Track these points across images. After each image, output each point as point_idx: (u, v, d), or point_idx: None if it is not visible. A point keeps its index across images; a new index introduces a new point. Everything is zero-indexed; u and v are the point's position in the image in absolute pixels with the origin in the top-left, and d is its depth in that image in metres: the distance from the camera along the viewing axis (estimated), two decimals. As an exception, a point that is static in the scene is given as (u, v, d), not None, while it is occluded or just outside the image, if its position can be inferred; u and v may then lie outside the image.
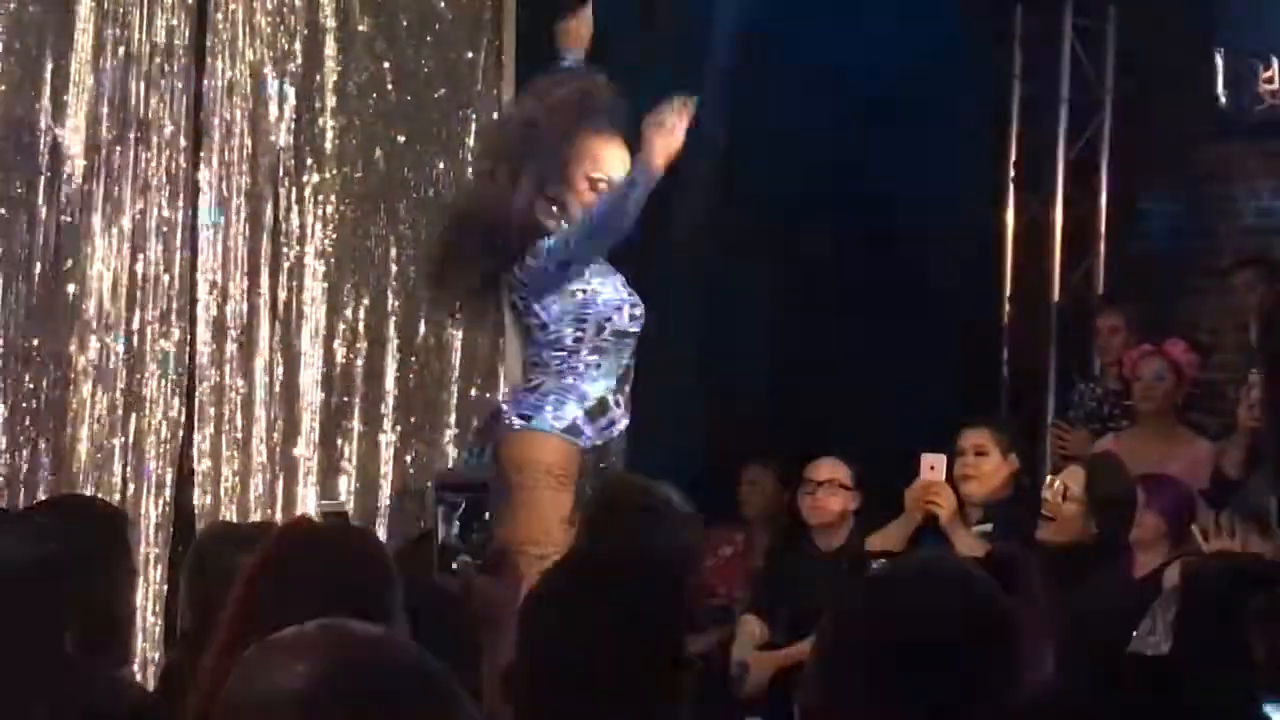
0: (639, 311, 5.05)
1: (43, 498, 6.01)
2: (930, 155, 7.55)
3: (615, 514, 3.62)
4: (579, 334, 4.97)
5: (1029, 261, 8.51)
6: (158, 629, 6.60)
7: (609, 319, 4.98)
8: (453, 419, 7.26)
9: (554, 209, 5.07)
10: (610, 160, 5.06)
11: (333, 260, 7.05)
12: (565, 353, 4.98)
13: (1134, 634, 4.86)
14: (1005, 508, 6.25)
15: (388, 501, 7.12)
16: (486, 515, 2.96)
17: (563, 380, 4.96)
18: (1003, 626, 2.26)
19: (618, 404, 5.01)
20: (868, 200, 7.53)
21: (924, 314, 7.60)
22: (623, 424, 5.04)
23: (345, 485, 7.02)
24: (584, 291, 4.97)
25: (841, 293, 7.58)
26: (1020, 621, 2.38)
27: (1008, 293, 8.52)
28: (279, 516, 6.64)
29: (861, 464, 6.62)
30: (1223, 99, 7.94)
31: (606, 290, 5.01)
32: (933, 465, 6.01)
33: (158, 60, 6.76)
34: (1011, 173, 8.48)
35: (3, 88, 6.60)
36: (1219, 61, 7.93)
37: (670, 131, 4.76)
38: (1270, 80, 7.85)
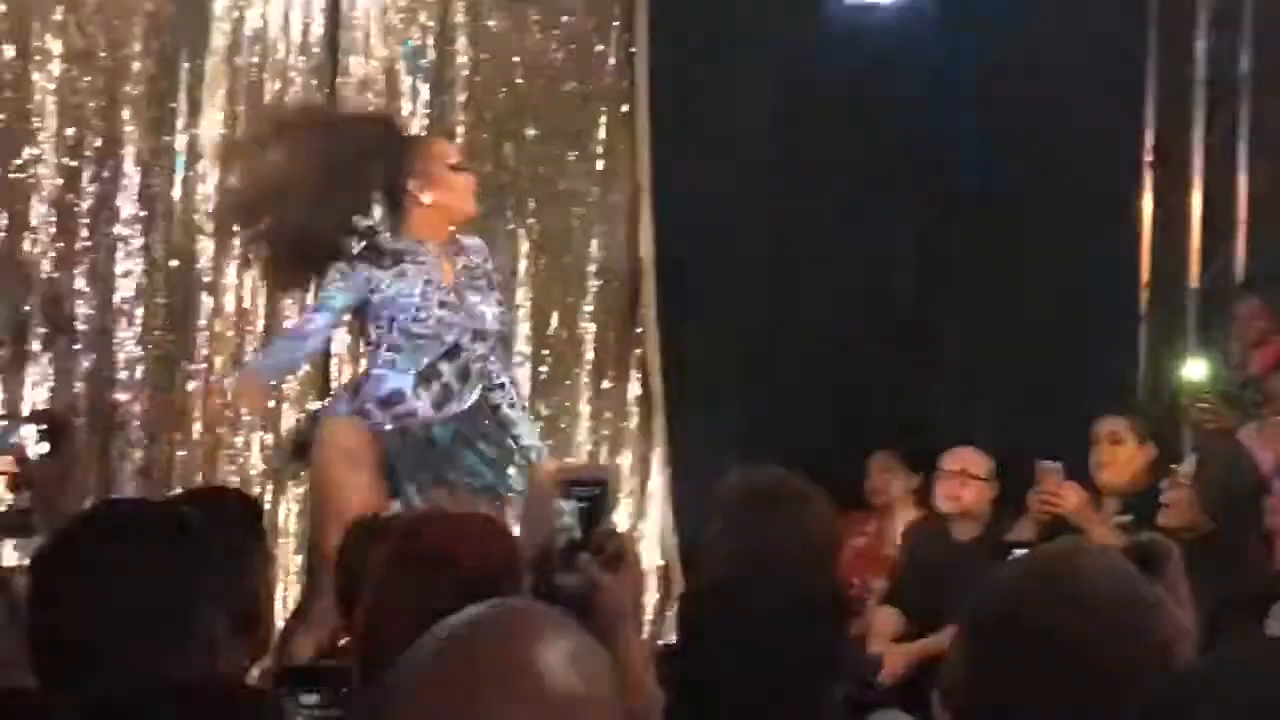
0: (424, 315, 5.45)
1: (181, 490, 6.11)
2: (1065, 139, 7.46)
3: (757, 505, 3.61)
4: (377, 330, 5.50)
5: (1166, 246, 8.38)
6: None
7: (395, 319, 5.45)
8: (585, 411, 7.28)
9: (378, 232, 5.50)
10: (451, 147, 5.78)
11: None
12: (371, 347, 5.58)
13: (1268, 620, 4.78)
14: (1143, 497, 6.15)
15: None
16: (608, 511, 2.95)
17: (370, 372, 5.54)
18: (1148, 614, 2.22)
19: (418, 396, 5.46)
20: (1002, 184, 7.47)
21: (1060, 300, 7.52)
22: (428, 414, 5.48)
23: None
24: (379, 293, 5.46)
25: (974, 279, 7.52)
26: (1165, 609, 2.34)
27: (1145, 278, 8.41)
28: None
29: (995, 454, 6.56)
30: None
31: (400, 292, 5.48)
32: (1050, 472, 5.91)
33: (292, 58, 6.84)
34: (1148, 156, 8.36)
35: (141, 87, 6.71)
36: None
37: None
38: None
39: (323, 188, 5.46)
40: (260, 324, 6.84)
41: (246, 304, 6.83)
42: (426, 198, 5.48)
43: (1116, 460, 6.17)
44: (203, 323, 6.80)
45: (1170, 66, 8.38)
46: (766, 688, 2.50)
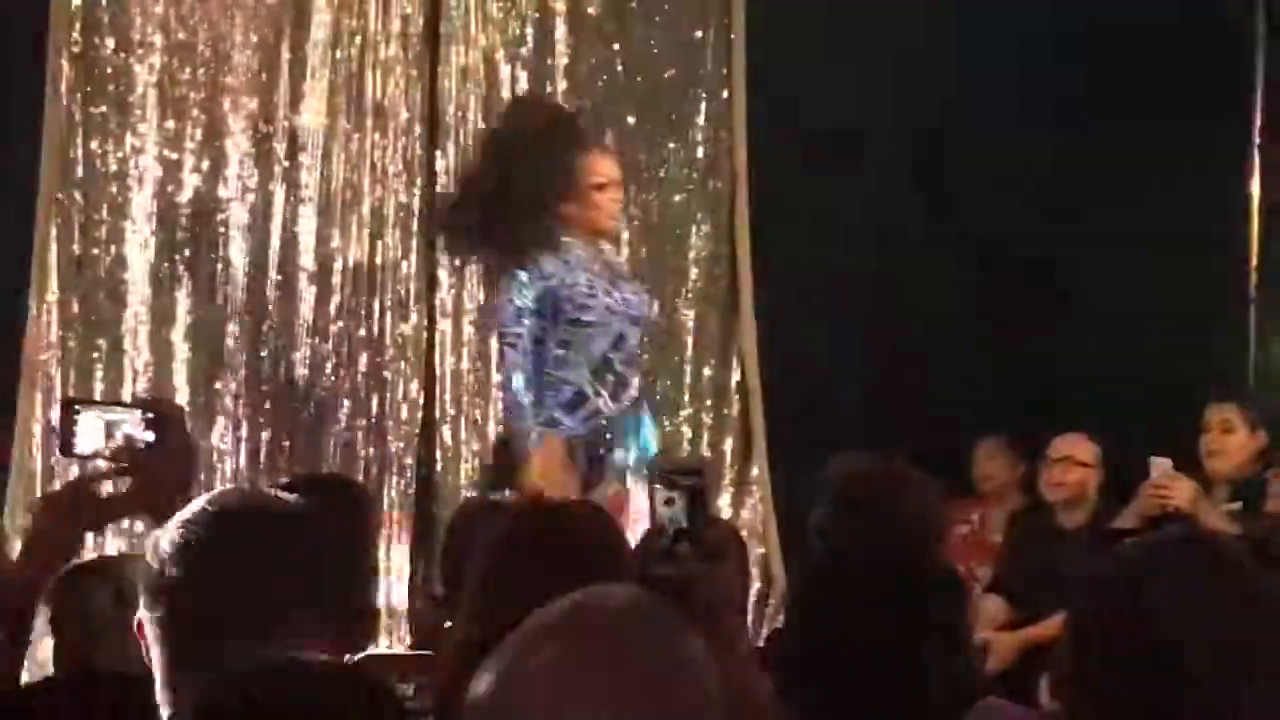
0: (591, 303, 5.52)
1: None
2: (1172, 118, 7.37)
3: (863, 489, 3.60)
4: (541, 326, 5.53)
5: (1276, 228, 8.26)
6: (403, 606, 6.72)
7: (562, 310, 5.50)
8: (686, 400, 7.26)
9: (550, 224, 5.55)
10: (603, 165, 5.68)
11: (565, 243, 7.09)
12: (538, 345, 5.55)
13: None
14: (1254, 485, 6.07)
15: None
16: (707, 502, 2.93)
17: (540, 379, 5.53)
18: (1263, 604, 2.19)
19: (597, 393, 5.51)
20: (1108, 165, 7.38)
21: (1167, 283, 7.42)
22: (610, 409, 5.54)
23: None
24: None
25: (1082, 264, 7.43)
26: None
27: (1254, 263, 8.29)
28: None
29: (1102, 441, 6.49)
30: None
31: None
32: (1161, 466, 5.84)
33: (393, 48, 6.87)
34: (1257, 140, 8.24)
35: (243, 79, 6.76)
36: None
37: None
38: None
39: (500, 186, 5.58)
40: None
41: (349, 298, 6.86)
42: (567, 209, 5.59)
43: (1227, 448, 6.10)
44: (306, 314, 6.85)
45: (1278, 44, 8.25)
46: (877, 671, 2.49)
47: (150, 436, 2.71)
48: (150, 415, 2.73)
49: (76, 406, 2.79)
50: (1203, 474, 6.03)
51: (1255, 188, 8.25)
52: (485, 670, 1.63)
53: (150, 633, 2.25)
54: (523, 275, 5.49)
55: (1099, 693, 2.13)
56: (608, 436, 5.56)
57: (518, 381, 5.54)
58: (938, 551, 3.38)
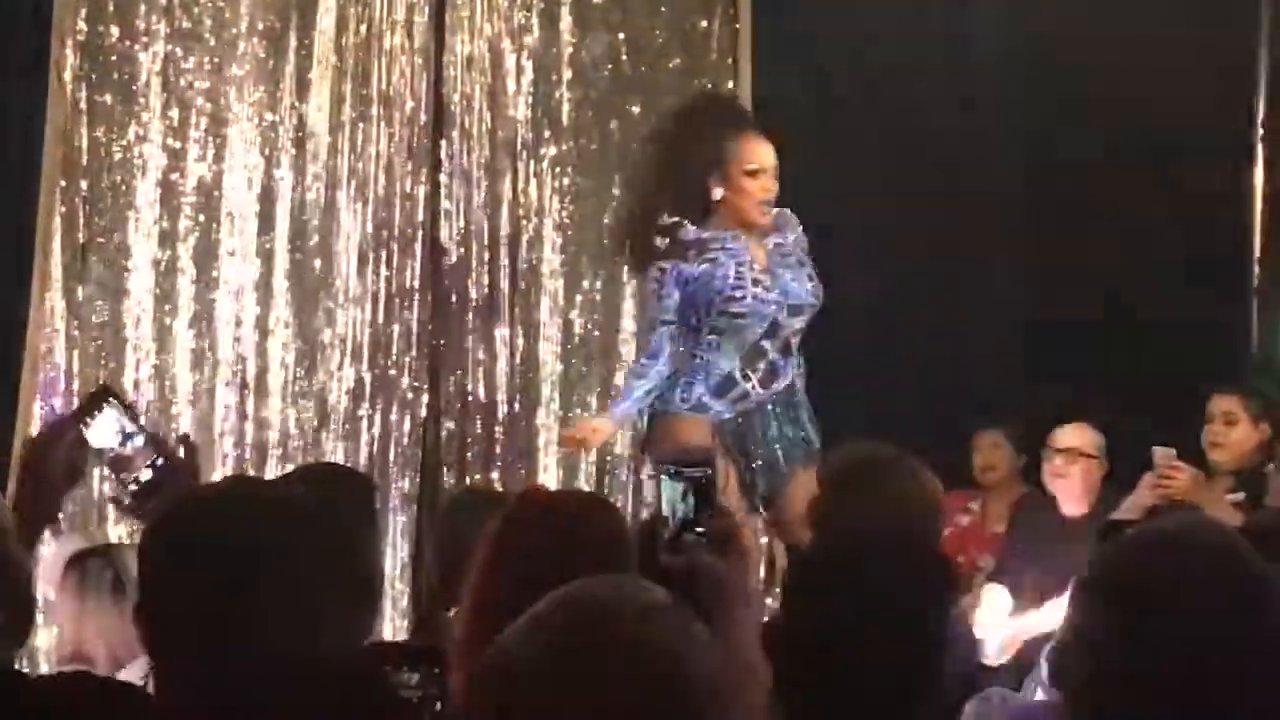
0: (741, 294, 5.56)
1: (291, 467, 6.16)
2: (1175, 110, 7.36)
3: (858, 477, 3.60)
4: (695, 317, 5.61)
5: (1277, 228, 8.26)
6: (405, 596, 6.73)
7: (711, 301, 5.57)
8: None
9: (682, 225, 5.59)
10: (758, 151, 5.62)
11: (570, 232, 7.10)
12: (693, 333, 5.64)
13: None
14: (1257, 477, 6.08)
15: (627, 473, 7.15)
16: (715, 492, 2.93)
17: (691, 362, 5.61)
18: (1263, 591, 2.19)
19: (747, 378, 5.60)
20: (1110, 157, 7.38)
21: (1170, 274, 7.43)
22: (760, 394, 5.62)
23: (583, 456, 7.06)
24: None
25: (1082, 256, 7.44)
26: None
27: (1257, 255, 8.29)
28: (520, 485, 6.71)
29: (1104, 431, 6.49)
30: None
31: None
32: (1165, 457, 5.84)
33: (398, 37, 6.87)
34: (1260, 131, 8.24)
35: (248, 67, 6.76)
36: None
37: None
38: None
39: (649, 183, 5.72)
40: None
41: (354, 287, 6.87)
42: (716, 194, 5.62)
43: (1230, 439, 6.11)
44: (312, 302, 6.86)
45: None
46: (874, 656, 2.50)
47: (148, 475, 2.72)
48: (159, 461, 2.73)
49: (109, 399, 2.79)
50: (1205, 465, 6.04)
51: (1259, 178, 8.25)
52: (485, 661, 1.64)
53: (141, 621, 2.25)
54: (669, 268, 5.55)
55: (1101, 679, 2.14)
56: (757, 431, 5.63)
57: (663, 366, 5.63)
58: (930, 534, 3.38)
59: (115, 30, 6.67)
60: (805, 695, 2.51)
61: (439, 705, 2.91)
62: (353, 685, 1.93)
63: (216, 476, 5.59)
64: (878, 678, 2.51)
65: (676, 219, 5.59)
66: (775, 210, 5.72)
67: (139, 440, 2.75)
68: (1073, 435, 6.47)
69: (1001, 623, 6.25)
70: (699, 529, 2.83)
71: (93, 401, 2.80)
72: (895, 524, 3.19)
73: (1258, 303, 8.22)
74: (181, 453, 2.81)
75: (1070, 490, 6.41)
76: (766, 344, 5.63)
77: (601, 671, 1.60)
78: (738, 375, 5.60)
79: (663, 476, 2.87)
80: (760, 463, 5.63)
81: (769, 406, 5.66)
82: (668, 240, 5.57)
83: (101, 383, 5.25)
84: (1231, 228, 7.98)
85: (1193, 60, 7.38)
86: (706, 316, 5.57)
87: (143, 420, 2.86)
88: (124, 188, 6.68)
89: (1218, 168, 7.80)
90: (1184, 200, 7.40)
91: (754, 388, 5.62)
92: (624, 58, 7.17)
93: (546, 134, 7.06)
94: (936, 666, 2.56)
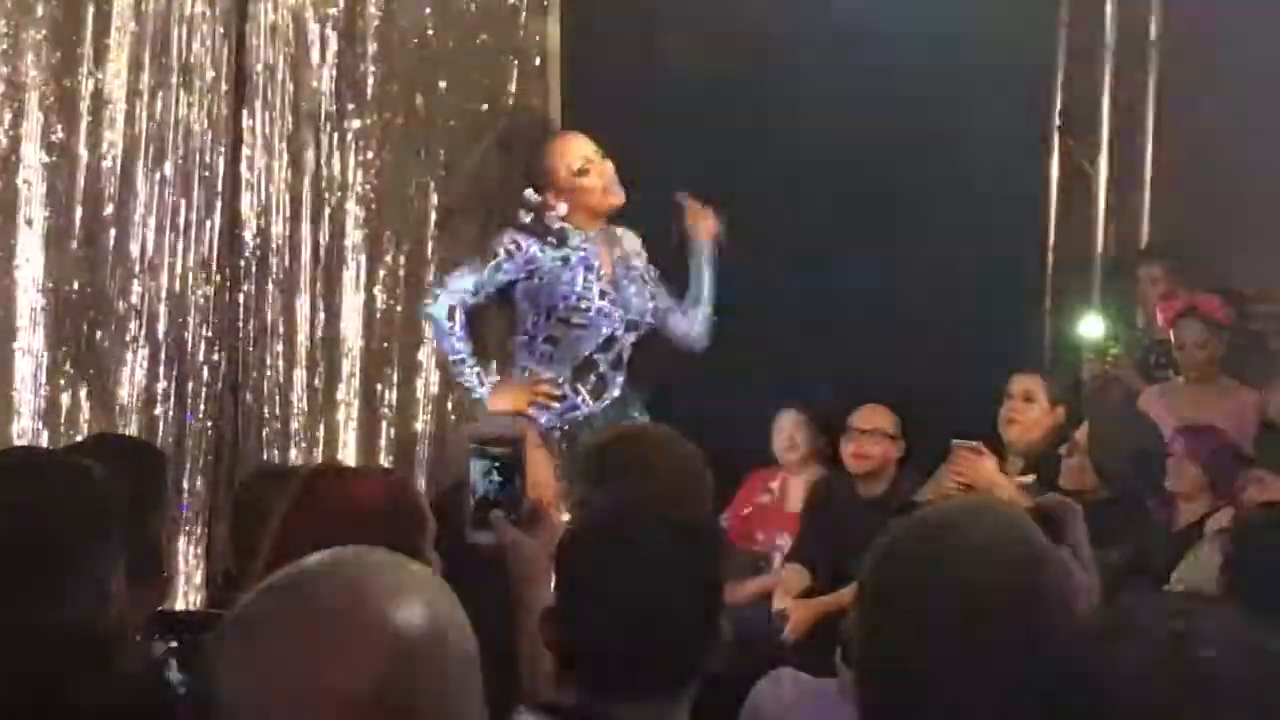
0: (585, 305, 5.62)
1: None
2: (973, 103, 7.48)
3: (614, 456, 3.61)
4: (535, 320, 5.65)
5: (1073, 211, 8.44)
6: (199, 573, 6.64)
7: (555, 308, 5.62)
8: (494, 366, 7.24)
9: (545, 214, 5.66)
10: (572, 148, 5.73)
11: (373, 206, 7.04)
12: (526, 338, 5.70)
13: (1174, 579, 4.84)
14: (1046, 459, 6.20)
15: (427, 449, 7.11)
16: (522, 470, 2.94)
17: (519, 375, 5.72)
18: (1048, 572, 2.23)
19: (577, 391, 5.67)
20: (906, 148, 7.48)
21: (966, 264, 7.55)
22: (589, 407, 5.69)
23: (384, 432, 7.01)
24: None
25: (883, 241, 7.53)
26: (1065, 568, 2.35)
27: (1051, 242, 8.47)
28: (319, 461, 6.65)
29: (900, 415, 6.59)
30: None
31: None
32: (964, 449, 5.92)
33: (200, 4, 6.75)
34: (1056, 121, 8.41)
35: (45, 32, 6.60)
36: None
37: None
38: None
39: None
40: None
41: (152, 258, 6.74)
42: (561, 208, 5.63)
43: (1026, 418, 6.21)
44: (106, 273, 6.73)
45: (1080, 32, 8.42)
46: (642, 628, 2.50)
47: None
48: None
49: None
50: (1000, 444, 6.15)
51: (1054, 169, 8.42)
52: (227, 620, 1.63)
53: None
54: (524, 244, 5.52)
55: (884, 661, 2.16)
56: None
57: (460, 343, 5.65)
58: (693, 499, 3.38)
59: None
60: (581, 673, 2.51)
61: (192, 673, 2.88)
62: (99, 651, 1.89)
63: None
64: (649, 649, 2.51)
65: (543, 199, 5.59)
66: (624, 231, 5.79)
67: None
68: (874, 417, 6.56)
69: (798, 602, 6.33)
70: (504, 507, 2.83)
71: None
72: (653, 492, 3.19)
73: (1050, 292, 8.41)
74: None
75: (868, 470, 6.50)
76: (599, 357, 5.67)
77: (278, 646, 1.57)
78: (568, 389, 5.61)
79: (470, 454, 2.86)
80: None
81: (599, 420, 5.66)
82: (532, 215, 5.56)
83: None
84: (1027, 214, 8.14)
85: (993, 52, 7.51)
86: (546, 322, 5.57)
87: None
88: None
89: (1015, 160, 7.96)
90: (982, 190, 7.53)
91: (584, 400, 5.65)
92: (430, 32, 7.11)
93: (351, 106, 6.99)
94: (714, 634, 2.56)
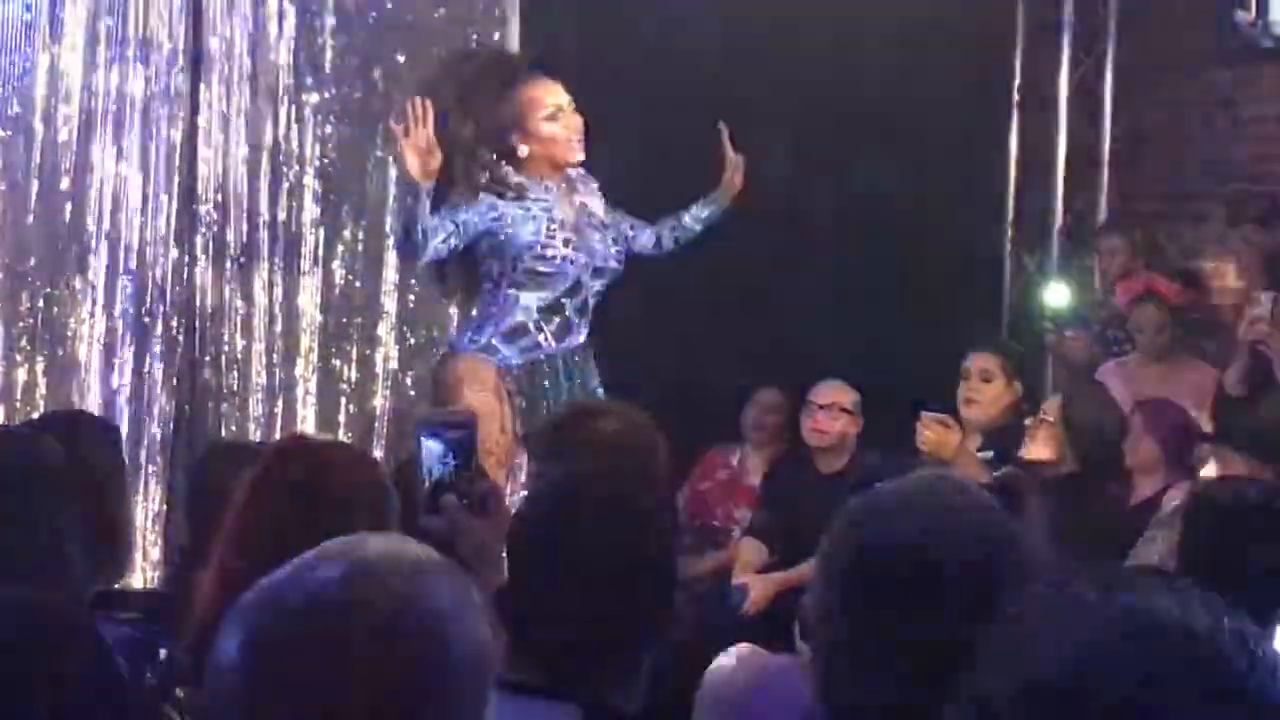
0: (550, 253, 5.55)
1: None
2: (932, 79, 7.50)
3: (576, 434, 3.60)
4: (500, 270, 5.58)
5: (1031, 186, 8.47)
6: (157, 548, 6.62)
7: (520, 258, 5.54)
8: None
9: (502, 164, 5.56)
10: (548, 93, 5.61)
11: (331, 181, 7.02)
12: (492, 284, 5.62)
13: (1130, 554, 4.85)
14: (1005, 435, 6.21)
15: (385, 426, 7.10)
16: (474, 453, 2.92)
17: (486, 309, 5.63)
18: (1004, 546, 2.23)
19: (540, 329, 5.60)
20: (867, 125, 7.48)
21: (927, 237, 7.57)
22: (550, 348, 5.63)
23: (343, 408, 7.00)
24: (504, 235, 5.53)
25: (842, 218, 7.55)
26: (1022, 542, 2.35)
27: (1010, 218, 8.49)
28: (277, 436, 6.63)
29: (862, 388, 6.60)
30: (1236, 20, 7.86)
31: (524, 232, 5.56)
32: (932, 420, 5.90)
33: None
34: (1015, 97, 8.43)
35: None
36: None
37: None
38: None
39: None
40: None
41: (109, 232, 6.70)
42: (523, 150, 5.55)
43: (985, 396, 6.21)
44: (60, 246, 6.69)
45: (1038, 8, 8.45)
46: (592, 607, 2.50)
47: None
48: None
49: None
50: (958, 421, 6.16)
51: (1014, 145, 8.44)
52: (245, 602, 1.62)
53: None
54: (474, 216, 5.44)
55: (841, 635, 2.16)
56: (544, 381, 5.61)
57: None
58: (644, 474, 3.38)
59: None
60: (534, 652, 2.50)
61: (162, 653, 2.87)
62: (52, 623, 1.88)
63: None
64: (600, 628, 2.51)
65: (496, 157, 5.55)
66: (581, 175, 5.73)
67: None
68: (834, 392, 6.56)
69: (757, 577, 6.34)
70: (458, 491, 2.81)
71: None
72: (605, 469, 3.18)
73: (1009, 265, 8.44)
74: None
75: (827, 445, 6.51)
76: (566, 301, 5.64)
77: (288, 671, 1.58)
78: (531, 326, 5.59)
79: (422, 437, 2.85)
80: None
81: (559, 362, 5.65)
82: (487, 175, 5.52)
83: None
84: (987, 192, 8.17)
85: (953, 28, 7.52)
86: (511, 270, 5.54)
87: None
88: None
89: (975, 135, 7.97)
90: (942, 165, 7.55)
91: (546, 339, 5.61)
92: (389, 5, 7.08)
93: (309, 80, 6.96)
94: (665, 610, 2.56)
